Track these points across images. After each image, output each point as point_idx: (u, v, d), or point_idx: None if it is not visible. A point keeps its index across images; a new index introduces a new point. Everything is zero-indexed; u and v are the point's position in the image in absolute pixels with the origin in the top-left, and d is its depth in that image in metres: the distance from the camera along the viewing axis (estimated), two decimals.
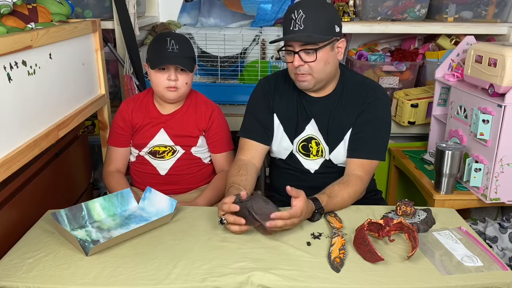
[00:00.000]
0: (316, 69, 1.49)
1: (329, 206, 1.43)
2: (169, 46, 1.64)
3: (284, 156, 1.67)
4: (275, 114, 1.65)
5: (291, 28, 1.46)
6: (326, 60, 1.49)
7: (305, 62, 1.47)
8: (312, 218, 1.40)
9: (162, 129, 1.76)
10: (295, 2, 1.54)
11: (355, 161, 1.56)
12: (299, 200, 1.31)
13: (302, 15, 1.44)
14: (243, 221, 1.31)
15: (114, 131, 1.80)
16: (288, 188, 1.32)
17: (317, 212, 1.39)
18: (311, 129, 1.62)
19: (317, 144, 1.62)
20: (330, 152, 1.61)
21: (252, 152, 1.64)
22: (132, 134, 1.79)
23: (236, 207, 1.31)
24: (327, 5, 1.52)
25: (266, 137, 1.65)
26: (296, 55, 1.47)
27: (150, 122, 1.76)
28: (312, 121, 1.61)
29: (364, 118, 1.56)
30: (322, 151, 1.62)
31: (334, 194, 1.46)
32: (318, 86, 1.55)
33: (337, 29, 1.49)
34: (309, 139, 1.62)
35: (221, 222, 1.34)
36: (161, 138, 1.76)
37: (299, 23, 1.44)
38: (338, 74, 1.61)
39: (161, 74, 1.66)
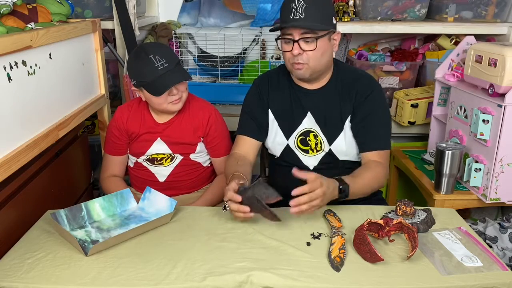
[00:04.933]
0: (313, 58, 1.50)
1: (355, 186, 1.43)
2: (157, 64, 1.56)
3: (278, 152, 1.67)
4: (270, 110, 1.66)
5: (291, 17, 1.47)
6: (324, 50, 1.51)
7: (304, 51, 1.49)
8: (340, 194, 1.40)
9: (159, 138, 1.73)
10: None
11: (370, 153, 1.58)
12: (310, 173, 1.32)
13: (303, 4, 1.46)
14: (247, 209, 1.32)
15: (110, 140, 1.77)
16: (295, 171, 1.33)
17: (342, 188, 1.39)
18: (308, 122, 1.62)
19: (315, 136, 1.62)
20: (330, 143, 1.62)
21: (246, 146, 1.66)
22: (129, 142, 1.77)
23: (238, 198, 1.32)
24: None
25: (259, 132, 1.67)
26: (296, 44, 1.48)
27: (147, 131, 1.73)
28: (309, 114, 1.62)
29: (366, 110, 1.58)
30: (321, 144, 1.63)
31: (356, 174, 1.49)
32: (313, 76, 1.57)
33: (334, 21, 1.53)
34: (306, 133, 1.63)
35: (225, 208, 1.34)
36: (159, 147, 1.73)
37: (300, 12, 1.46)
38: (332, 66, 1.63)
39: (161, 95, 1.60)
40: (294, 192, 1.29)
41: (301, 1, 1.46)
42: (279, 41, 1.55)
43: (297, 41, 1.48)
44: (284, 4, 1.52)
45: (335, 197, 1.40)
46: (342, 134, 1.61)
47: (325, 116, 1.61)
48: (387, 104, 1.66)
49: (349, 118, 1.60)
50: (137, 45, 2.25)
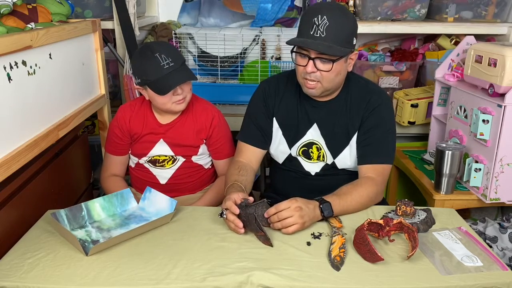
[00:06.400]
0: (327, 78, 1.45)
1: (340, 205, 1.41)
2: (163, 63, 1.54)
3: (280, 160, 1.66)
4: (274, 118, 1.64)
5: (311, 33, 1.40)
6: (339, 71, 1.46)
7: (318, 69, 1.43)
8: (322, 214, 1.39)
9: (161, 139, 1.72)
10: (315, 4, 1.49)
11: (366, 166, 1.54)
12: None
13: (326, 23, 1.37)
14: (241, 224, 1.32)
15: (112, 139, 1.76)
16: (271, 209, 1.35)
17: (323, 207, 1.37)
18: (313, 134, 1.60)
19: (318, 149, 1.60)
20: (334, 157, 1.59)
21: (250, 155, 1.64)
22: (131, 142, 1.76)
23: (237, 210, 1.32)
24: (350, 15, 1.47)
25: (264, 142, 1.65)
26: (311, 61, 1.42)
27: (149, 132, 1.72)
28: (315, 125, 1.59)
29: (370, 124, 1.55)
30: (323, 156, 1.61)
31: (343, 192, 1.45)
32: (324, 94, 1.53)
33: (354, 41, 1.46)
34: (310, 144, 1.61)
35: (221, 215, 1.35)
36: (161, 149, 1.73)
37: (321, 30, 1.38)
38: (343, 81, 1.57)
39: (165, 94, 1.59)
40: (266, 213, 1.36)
41: (324, 19, 1.38)
42: (293, 53, 1.49)
43: (312, 59, 1.42)
44: (306, 15, 1.44)
45: (319, 217, 1.39)
46: (347, 148, 1.58)
47: (332, 130, 1.58)
48: (394, 122, 1.61)
49: (356, 134, 1.57)
50: (137, 45, 2.25)
